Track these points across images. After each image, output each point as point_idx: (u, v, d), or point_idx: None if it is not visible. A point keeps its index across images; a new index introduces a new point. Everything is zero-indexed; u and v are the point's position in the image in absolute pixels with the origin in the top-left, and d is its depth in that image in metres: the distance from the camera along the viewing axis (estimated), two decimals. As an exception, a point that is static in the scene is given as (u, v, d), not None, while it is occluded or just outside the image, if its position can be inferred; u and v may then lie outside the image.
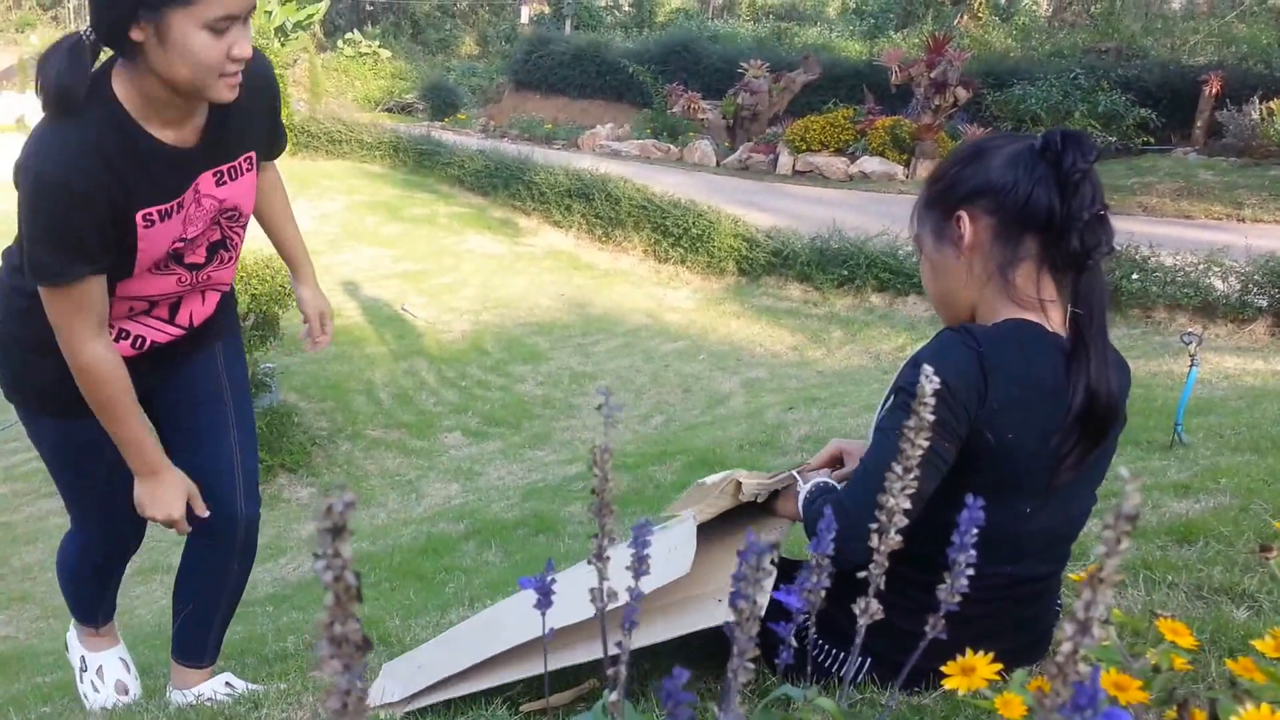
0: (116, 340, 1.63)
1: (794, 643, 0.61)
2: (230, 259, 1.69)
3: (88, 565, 1.96)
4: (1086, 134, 1.26)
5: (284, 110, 11.00)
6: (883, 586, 0.64)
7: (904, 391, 1.21)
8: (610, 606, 0.73)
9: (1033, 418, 1.19)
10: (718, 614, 1.30)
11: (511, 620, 1.48)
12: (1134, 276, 6.94)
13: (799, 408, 5.63)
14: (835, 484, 1.39)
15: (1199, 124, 11.68)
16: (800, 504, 1.38)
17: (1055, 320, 1.24)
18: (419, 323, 8.53)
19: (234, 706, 1.65)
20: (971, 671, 0.81)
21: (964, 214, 1.26)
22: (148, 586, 4.53)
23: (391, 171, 12.91)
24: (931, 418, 0.60)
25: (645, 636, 1.32)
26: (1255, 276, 6.64)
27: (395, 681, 1.50)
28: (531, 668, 1.37)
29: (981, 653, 0.89)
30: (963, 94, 11.89)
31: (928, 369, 0.61)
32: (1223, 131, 11.32)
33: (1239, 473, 2.47)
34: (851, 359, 7.08)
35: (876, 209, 9.71)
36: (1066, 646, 0.45)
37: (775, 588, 0.65)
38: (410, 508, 5.54)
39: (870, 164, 12.06)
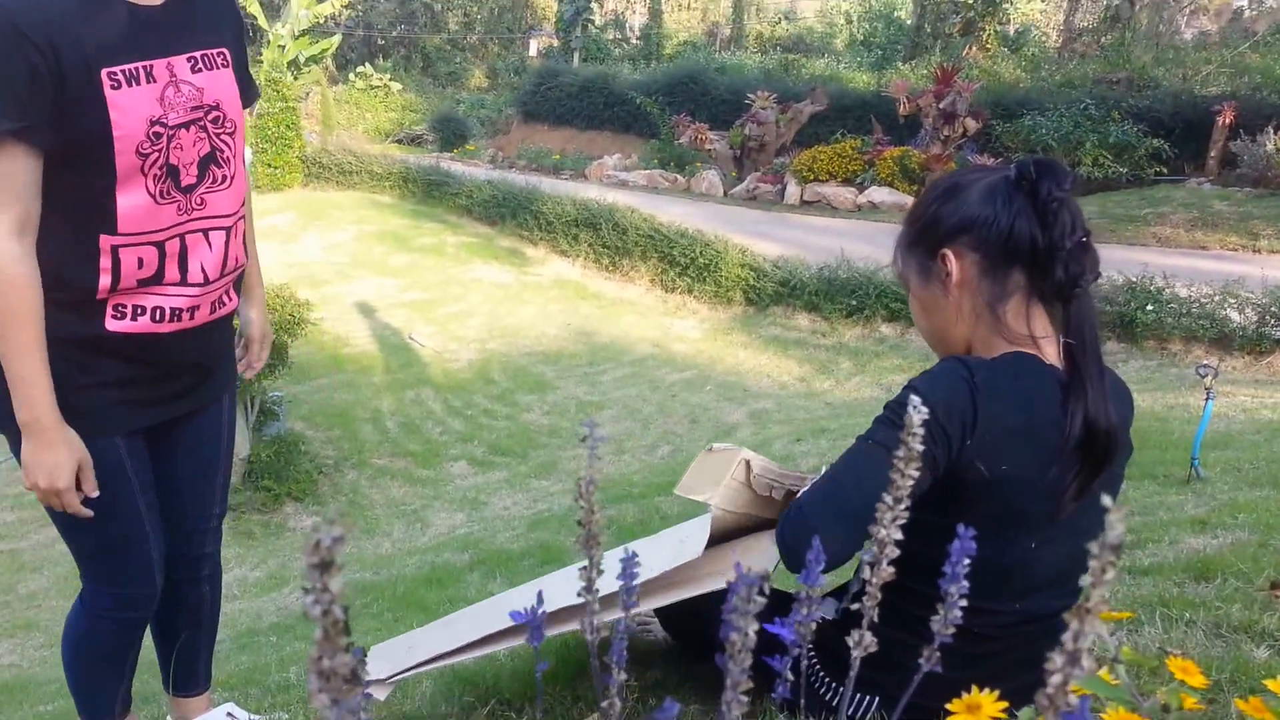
0: (134, 318, 1.49)
1: (790, 676, 0.60)
2: (225, 179, 1.54)
3: (105, 632, 1.69)
4: (1060, 162, 1.24)
5: (298, 142, 11.07)
6: (877, 619, 0.63)
7: (889, 409, 1.21)
8: (607, 611, 0.72)
9: (1030, 450, 1.17)
10: (714, 583, 1.32)
11: (510, 605, 1.47)
12: (1149, 308, 6.88)
13: (807, 439, 5.59)
14: None
15: (1212, 154, 11.67)
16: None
17: (1050, 354, 1.22)
18: (426, 352, 8.55)
19: (233, 738, 1.63)
20: (977, 709, 0.79)
21: (949, 252, 1.24)
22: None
23: (400, 202, 13.02)
24: (920, 448, 0.59)
25: (646, 604, 1.36)
26: (1272, 308, 6.58)
27: (384, 661, 1.49)
28: (521, 637, 1.37)
29: (989, 690, 0.87)
30: (972, 124, 11.95)
31: (915, 399, 0.60)
32: (1237, 162, 11.29)
33: (1258, 508, 2.43)
34: (861, 390, 7.05)
35: (885, 239, 9.64)
36: (1056, 678, 0.44)
37: (770, 619, 0.64)
38: (415, 537, 5.51)
39: (879, 194, 12.10)
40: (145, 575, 1.66)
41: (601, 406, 7.42)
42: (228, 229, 1.58)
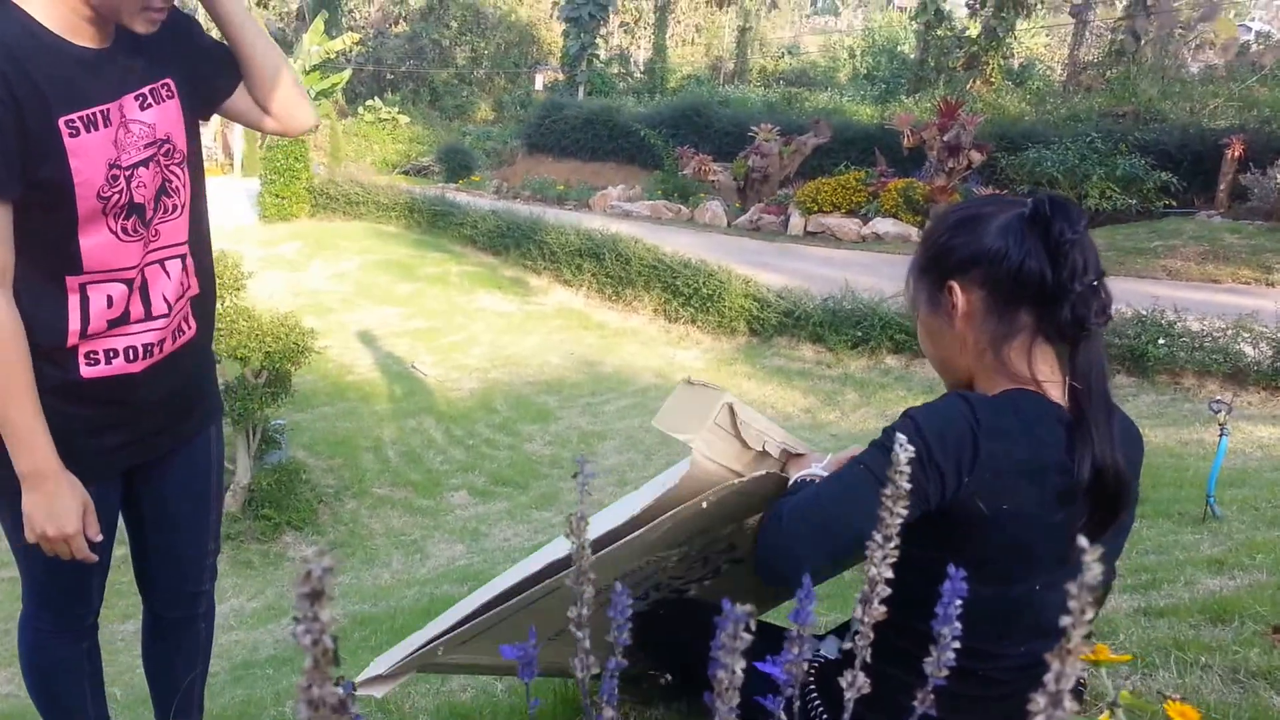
0: (108, 362, 1.51)
1: (783, 717, 0.56)
2: (176, 208, 1.55)
3: (51, 647, 1.72)
4: (1073, 202, 1.22)
5: (305, 173, 11.15)
6: (876, 658, 0.59)
7: (886, 433, 1.18)
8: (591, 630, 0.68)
9: (1034, 490, 1.14)
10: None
11: (503, 583, 1.41)
12: (1160, 341, 6.79)
13: (811, 469, 5.54)
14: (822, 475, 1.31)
15: (1222, 187, 11.68)
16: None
17: (1055, 395, 1.19)
18: (428, 380, 8.53)
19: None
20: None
21: (955, 285, 1.22)
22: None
23: (406, 232, 13.09)
24: (908, 486, 0.57)
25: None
26: (1288, 343, 6.49)
27: (381, 665, 1.43)
28: (512, 607, 1.31)
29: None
30: (976, 157, 12.00)
31: (902, 438, 0.59)
32: (1247, 195, 11.29)
33: (1276, 548, 2.38)
34: (867, 421, 7.00)
35: (890, 270, 9.71)
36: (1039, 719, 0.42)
37: (762, 657, 0.60)
38: (414, 568, 5.45)
39: (883, 225, 12.12)
40: (85, 599, 1.68)
41: (604, 437, 7.38)
42: (181, 256, 1.59)
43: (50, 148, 1.36)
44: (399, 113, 22.47)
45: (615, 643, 0.65)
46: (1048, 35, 25.31)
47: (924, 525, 1.13)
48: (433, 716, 1.96)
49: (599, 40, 23.64)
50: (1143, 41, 17.29)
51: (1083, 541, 0.43)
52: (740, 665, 0.43)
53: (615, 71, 25.61)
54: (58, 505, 1.43)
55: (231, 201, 13.77)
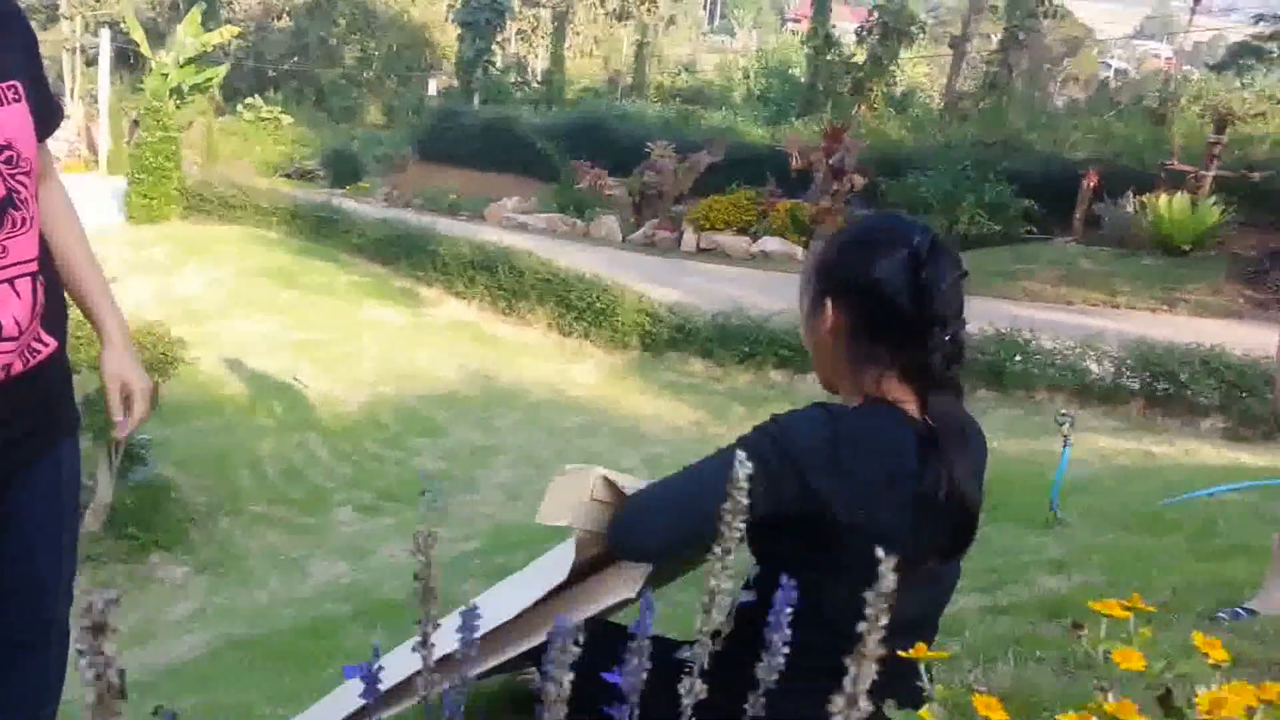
0: None
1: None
2: (24, 221, 1.45)
3: None
4: (953, 251, 1.27)
5: (176, 173, 10.60)
6: (708, 666, 0.61)
7: (753, 430, 1.23)
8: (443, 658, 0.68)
9: (890, 501, 1.20)
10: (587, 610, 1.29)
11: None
12: (1016, 359, 7.26)
13: (699, 481, 5.61)
14: None
15: (1078, 215, 12.44)
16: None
17: (911, 411, 1.24)
18: (312, 394, 8.26)
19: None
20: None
21: (829, 302, 1.27)
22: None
23: (288, 238, 12.62)
24: (745, 502, 0.59)
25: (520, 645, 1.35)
26: (1128, 360, 7.03)
27: None
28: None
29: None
30: (859, 180, 12.43)
31: (741, 455, 0.61)
32: (1100, 223, 12.08)
33: (1111, 550, 2.56)
34: (752, 433, 7.14)
35: (777, 288, 9.95)
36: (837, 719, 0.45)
37: (609, 668, 0.61)
38: (294, 587, 5.26)
39: (771, 244, 12.44)
40: None
41: (497, 451, 7.30)
42: (34, 274, 1.48)
43: None
44: (281, 112, 21.67)
45: (463, 661, 0.64)
46: (929, 65, 26.49)
47: (790, 533, 1.18)
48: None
49: (495, 47, 23.48)
50: (1014, 74, 18.31)
51: (880, 553, 0.45)
52: (569, 678, 0.44)
53: (512, 80, 25.47)
54: None
55: (95, 201, 12.94)
